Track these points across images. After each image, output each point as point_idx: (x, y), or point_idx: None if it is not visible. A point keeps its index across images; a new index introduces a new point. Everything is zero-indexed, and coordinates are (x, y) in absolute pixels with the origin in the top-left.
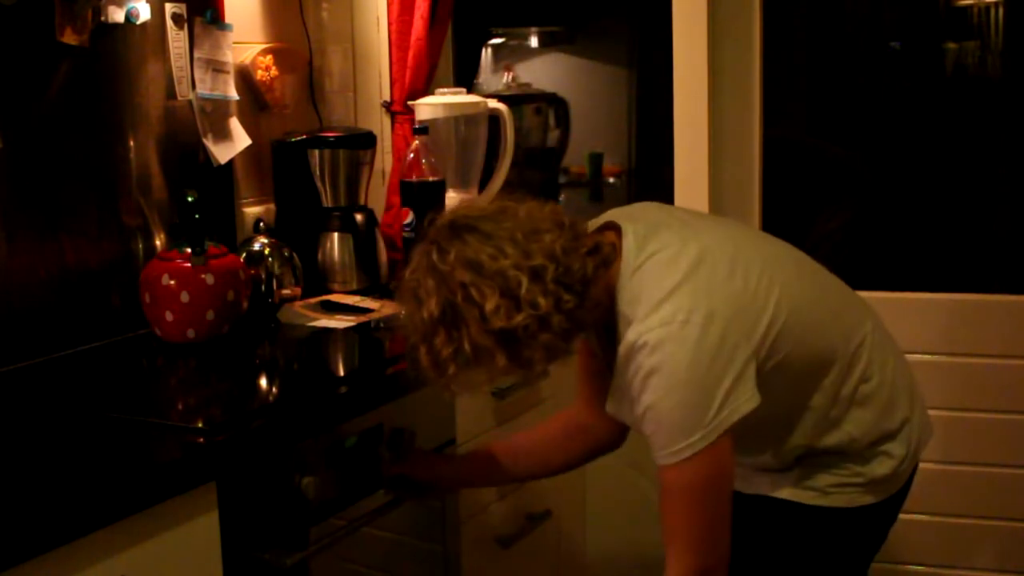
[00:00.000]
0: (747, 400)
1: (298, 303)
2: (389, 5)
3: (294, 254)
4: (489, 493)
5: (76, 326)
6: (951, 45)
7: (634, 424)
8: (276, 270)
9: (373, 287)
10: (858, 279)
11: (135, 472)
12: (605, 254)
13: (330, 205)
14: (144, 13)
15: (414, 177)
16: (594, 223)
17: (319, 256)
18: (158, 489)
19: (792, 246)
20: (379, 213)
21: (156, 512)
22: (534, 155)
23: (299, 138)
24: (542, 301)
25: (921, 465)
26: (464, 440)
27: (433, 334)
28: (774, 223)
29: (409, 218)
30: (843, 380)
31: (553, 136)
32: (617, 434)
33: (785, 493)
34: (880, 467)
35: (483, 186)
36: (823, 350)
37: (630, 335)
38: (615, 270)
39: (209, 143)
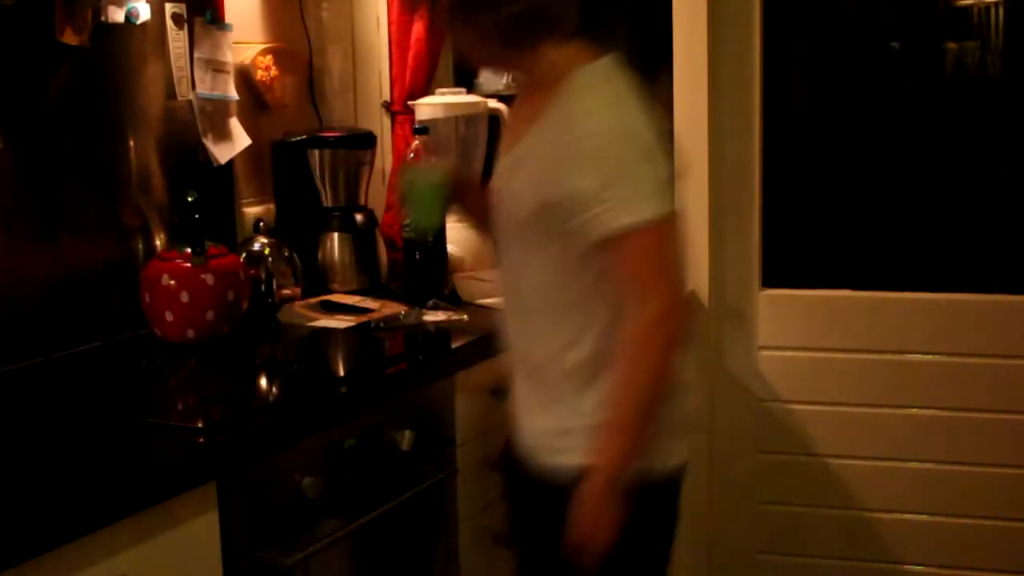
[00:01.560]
0: None
1: (298, 303)
2: (389, 5)
3: (294, 254)
4: (489, 493)
5: (76, 326)
6: (951, 45)
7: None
8: (276, 270)
9: (373, 287)
10: (858, 279)
11: (135, 472)
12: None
13: (330, 205)
14: (144, 13)
15: None
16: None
17: (319, 256)
18: (158, 489)
19: None
20: (379, 213)
21: (156, 512)
22: None
23: (299, 138)
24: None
25: (921, 465)
26: (464, 440)
27: None
28: (773, 223)
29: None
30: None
31: None
32: None
33: None
34: None
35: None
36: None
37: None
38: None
39: (209, 143)
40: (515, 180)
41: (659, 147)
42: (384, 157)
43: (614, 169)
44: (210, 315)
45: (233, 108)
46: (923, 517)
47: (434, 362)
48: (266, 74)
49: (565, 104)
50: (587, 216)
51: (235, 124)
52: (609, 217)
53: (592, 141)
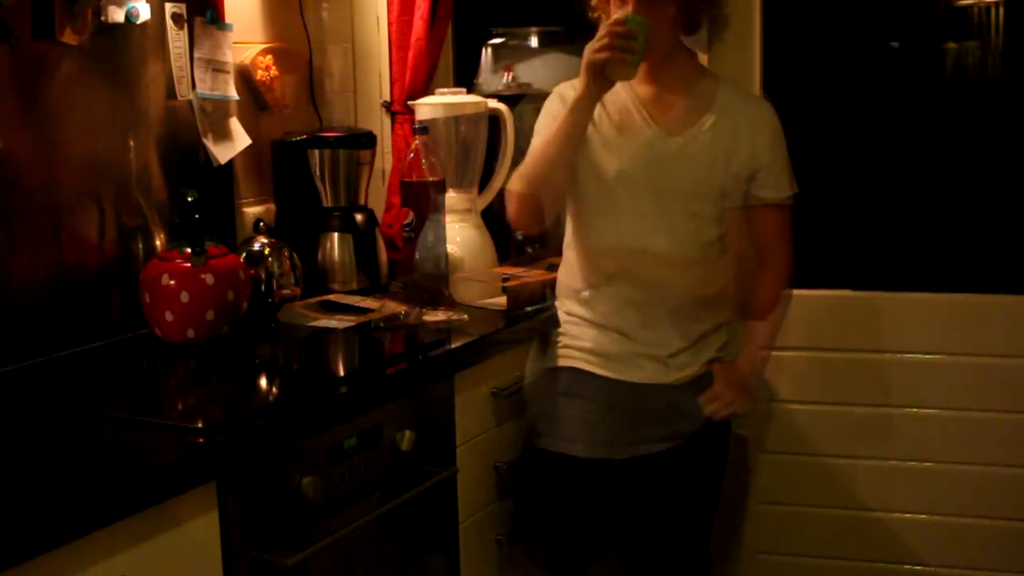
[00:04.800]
0: None
1: (298, 303)
2: (389, 5)
3: (294, 254)
4: (489, 493)
5: (76, 326)
6: (951, 45)
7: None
8: (276, 270)
9: (373, 287)
10: (859, 279)
11: (135, 472)
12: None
13: (330, 205)
14: (144, 13)
15: (414, 177)
16: None
17: (319, 256)
18: (158, 489)
19: None
20: (379, 213)
21: (156, 512)
22: None
23: (299, 138)
24: None
25: (921, 465)
26: (464, 440)
27: None
28: None
29: (409, 218)
30: None
31: None
32: None
33: None
34: None
35: (483, 186)
36: None
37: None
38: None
39: (209, 143)
40: (694, 148)
41: None
42: (384, 157)
43: (783, 149)
44: (210, 315)
45: (233, 108)
46: (923, 517)
47: (434, 362)
48: (266, 74)
49: (732, 91)
50: (761, 183)
51: (235, 124)
52: (777, 186)
53: (772, 123)
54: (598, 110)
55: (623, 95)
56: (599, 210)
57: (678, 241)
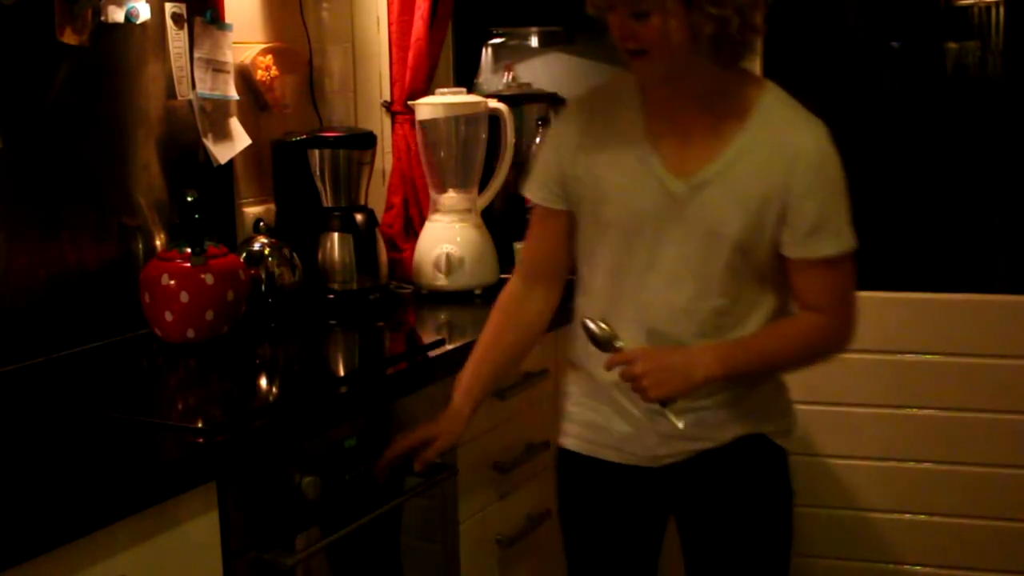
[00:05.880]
0: None
1: None
2: (389, 5)
3: (294, 254)
4: (489, 493)
5: (76, 326)
6: (951, 45)
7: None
8: (276, 270)
9: (373, 287)
10: (858, 279)
11: (135, 472)
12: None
13: (330, 205)
14: (144, 13)
15: None
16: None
17: (319, 256)
18: (158, 489)
19: None
20: (379, 213)
21: (156, 512)
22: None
23: (299, 138)
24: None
25: (921, 465)
26: (464, 440)
27: None
28: None
29: None
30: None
31: None
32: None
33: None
34: None
35: (483, 186)
36: None
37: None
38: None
39: (209, 143)
40: (719, 190)
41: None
42: (384, 157)
43: (831, 190)
44: (210, 315)
45: (233, 108)
46: (923, 517)
47: (434, 362)
48: (266, 74)
49: (770, 114)
50: (797, 236)
51: (235, 124)
52: (820, 240)
53: (815, 155)
54: (598, 146)
55: (630, 126)
56: (593, 269)
57: (677, 314)
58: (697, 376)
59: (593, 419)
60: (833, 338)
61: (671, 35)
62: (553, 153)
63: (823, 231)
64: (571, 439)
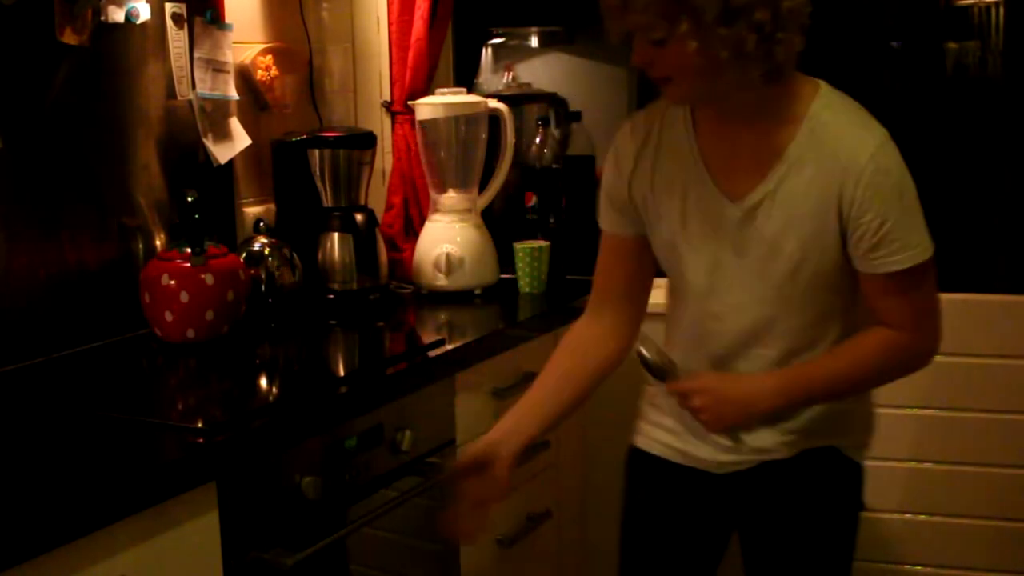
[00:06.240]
0: None
1: None
2: (389, 5)
3: (294, 254)
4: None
5: (76, 326)
6: (951, 45)
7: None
8: (276, 270)
9: (373, 287)
10: None
11: (135, 472)
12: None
13: (330, 205)
14: (144, 13)
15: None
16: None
17: (319, 256)
18: (158, 489)
19: None
20: (379, 213)
21: (156, 512)
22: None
23: (299, 138)
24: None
25: (921, 465)
26: (464, 440)
27: None
28: None
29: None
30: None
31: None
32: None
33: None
34: None
35: (483, 186)
36: None
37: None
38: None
39: (209, 143)
40: (772, 210)
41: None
42: (384, 157)
43: (896, 201)
44: (210, 315)
45: (233, 108)
46: (923, 517)
47: (434, 362)
48: (266, 74)
49: (823, 124)
50: (862, 249)
51: (235, 124)
52: (887, 253)
53: (873, 165)
54: (652, 168)
55: (681, 146)
56: (673, 292)
57: (741, 339)
58: (757, 408)
59: (661, 421)
60: (914, 354)
61: (689, 61)
62: (613, 177)
63: (888, 245)
64: (642, 438)
